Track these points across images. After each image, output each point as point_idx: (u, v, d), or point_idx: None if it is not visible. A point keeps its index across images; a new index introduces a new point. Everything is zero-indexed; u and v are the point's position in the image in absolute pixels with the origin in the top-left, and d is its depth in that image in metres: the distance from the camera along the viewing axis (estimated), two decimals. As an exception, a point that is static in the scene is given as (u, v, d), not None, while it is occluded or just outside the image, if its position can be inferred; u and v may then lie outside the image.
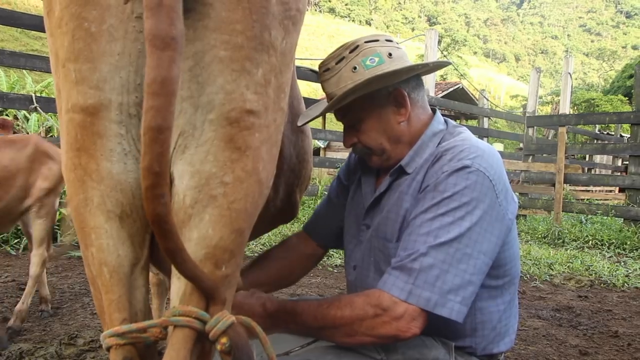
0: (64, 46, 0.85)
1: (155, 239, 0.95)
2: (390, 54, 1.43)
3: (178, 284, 0.90)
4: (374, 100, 1.45)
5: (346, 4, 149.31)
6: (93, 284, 0.94)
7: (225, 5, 0.85)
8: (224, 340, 0.86)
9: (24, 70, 6.14)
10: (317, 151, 16.84)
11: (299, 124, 1.49)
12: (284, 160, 1.36)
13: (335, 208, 1.75)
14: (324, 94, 1.54)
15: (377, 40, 1.45)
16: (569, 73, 10.79)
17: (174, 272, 0.91)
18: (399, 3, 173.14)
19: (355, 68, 1.41)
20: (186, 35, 0.82)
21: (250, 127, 0.89)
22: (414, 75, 1.48)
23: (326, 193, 1.83)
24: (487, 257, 1.30)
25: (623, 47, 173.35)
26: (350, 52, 1.43)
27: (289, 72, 1.01)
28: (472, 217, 1.27)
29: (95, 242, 0.89)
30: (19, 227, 4.77)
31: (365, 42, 1.44)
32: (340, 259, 5.13)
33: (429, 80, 9.02)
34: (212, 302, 0.90)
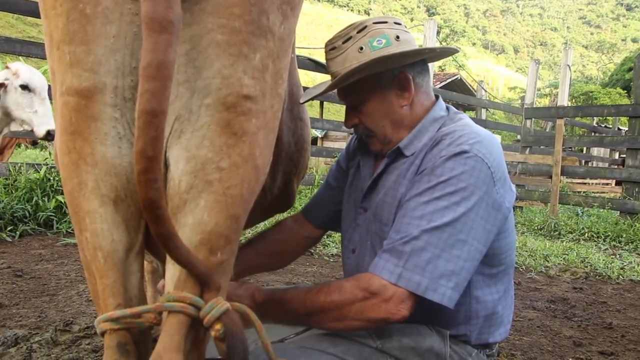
0: (59, 28, 0.84)
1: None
2: (397, 37, 1.42)
3: (172, 270, 0.89)
4: (378, 82, 1.44)
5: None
6: (87, 268, 0.93)
7: None
8: (218, 326, 0.86)
9: (20, 57, 6.09)
10: (314, 141, 16.81)
11: (302, 101, 1.48)
12: (282, 147, 1.35)
13: (334, 192, 1.75)
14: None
15: (385, 22, 1.44)
16: (568, 65, 10.77)
17: (169, 258, 0.90)
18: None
19: (361, 48, 1.40)
20: (183, 19, 0.81)
21: (247, 113, 0.89)
22: (420, 60, 1.47)
23: (324, 180, 1.82)
24: (481, 244, 1.29)
25: (623, 40, 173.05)
26: (358, 32, 1.42)
27: (287, 58, 1.00)
28: (468, 203, 1.26)
29: (90, 226, 0.88)
30: (16, 214, 4.76)
31: (374, 22, 1.43)
32: (336, 248, 5.13)
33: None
34: (206, 288, 0.89)
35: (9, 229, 4.63)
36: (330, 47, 1.46)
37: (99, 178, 0.87)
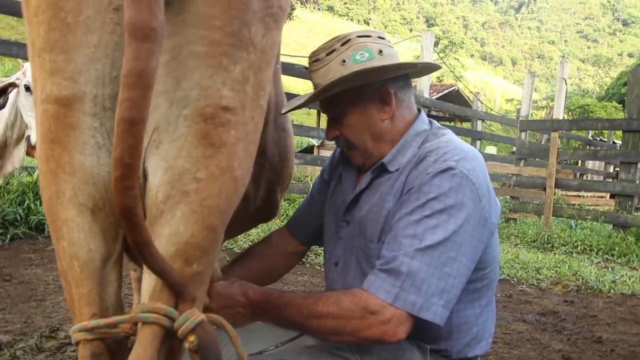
0: (40, 35, 0.84)
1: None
2: (381, 51, 1.42)
3: (149, 280, 0.89)
4: (359, 95, 1.44)
5: (345, 3, 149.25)
6: (64, 277, 0.93)
7: (205, 1, 0.84)
8: (192, 338, 0.85)
9: (18, 59, 6.09)
10: (310, 149, 16.80)
11: (283, 111, 1.48)
12: (265, 159, 1.35)
13: (317, 205, 1.74)
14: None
15: (369, 36, 1.45)
16: (564, 79, 10.84)
17: (145, 267, 0.90)
18: (398, 3, 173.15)
19: (344, 61, 1.40)
20: (164, 30, 0.81)
21: (225, 124, 0.88)
22: (402, 74, 1.48)
23: (309, 192, 1.82)
24: (469, 261, 1.30)
25: (619, 55, 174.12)
26: (341, 45, 1.42)
27: (270, 70, 1.00)
28: (457, 220, 1.27)
29: (67, 235, 0.88)
30: (7, 218, 4.74)
31: (357, 36, 1.44)
32: (328, 257, 5.12)
33: (424, 82, 9.03)
34: (181, 299, 0.89)
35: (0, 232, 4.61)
36: (314, 59, 1.46)
37: (76, 187, 0.87)
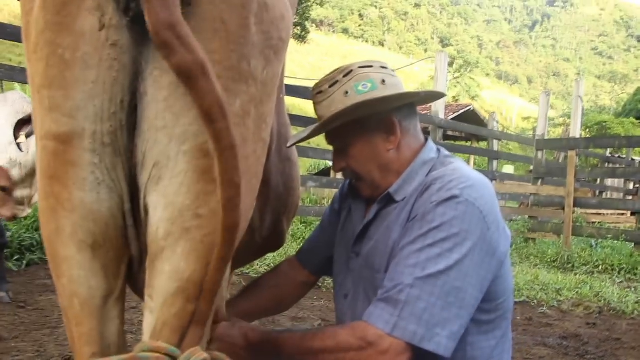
0: (39, 72, 0.84)
1: (131, 268, 0.94)
2: (383, 81, 1.41)
3: (150, 318, 0.87)
4: (363, 126, 1.43)
5: (359, 25, 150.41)
6: (65, 315, 0.92)
7: (202, 35, 0.83)
8: (194, 378, 0.83)
9: (17, 85, 6.13)
10: (327, 171, 16.81)
11: (288, 145, 1.48)
12: (270, 189, 1.34)
13: (328, 235, 1.72)
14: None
15: (371, 67, 1.44)
16: (580, 96, 10.75)
17: (147, 305, 0.89)
18: (412, 24, 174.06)
19: (347, 92, 1.40)
20: (161, 65, 0.81)
21: None
22: (406, 103, 1.46)
23: (320, 223, 1.80)
24: (476, 291, 1.26)
25: (635, 71, 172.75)
26: (344, 77, 1.42)
27: (271, 102, 0.99)
28: (462, 249, 1.24)
29: (67, 272, 0.87)
30: (23, 244, 4.77)
31: (360, 67, 1.43)
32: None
33: (440, 102, 9.00)
34: (185, 337, 0.87)
35: (15, 258, 4.64)
36: (317, 91, 1.46)
37: (76, 224, 0.86)
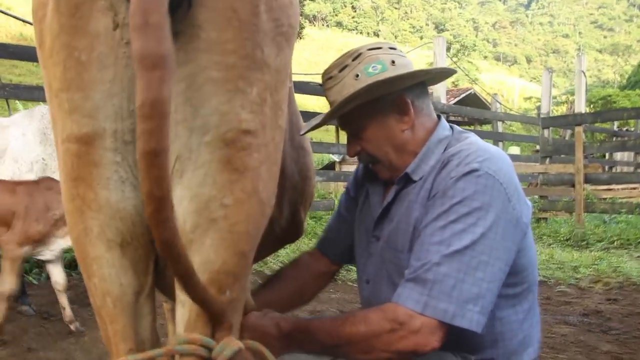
0: (56, 76, 0.85)
1: (159, 265, 0.94)
2: (393, 62, 1.41)
3: (182, 311, 0.88)
4: (376, 108, 1.43)
5: (353, 17, 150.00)
6: (98, 314, 0.93)
7: (215, 26, 0.83)
8: (230, 367, 0.84)
9: (40, 103, 6.22)
10: (332, 165, 16.77)
11: (302, 132, 1.47)
12: (286, 178, 1.34)
13: (346, 222, 1.72)
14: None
15: (380, 48, 1.44)
16: (582, 71, 10.66)
17: (178, 299, 0.89)
18: (406, 12, 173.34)
19: (357, 75, 1.40)
20: (177, 58, 0.81)
21: (247, 148, 0.88)
22: (418, 82, 1.46)
23: (335, 211, 1.80)
24: (503, 263, 1.26)
25: (638, 41, 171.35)
26: (353, 60, 1.42)
27: (285, 89, 1.00)
28: (485, 223, 1.24)
29: (97, 272, 0.88)
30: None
31: (368, 49, 1.43)
32: (360, 272, 5.07)
33: (440, 88, 8.96)
34: (218, 327, 0.88)
35: (34, 271, 4.67)
36: (327, 77, 1.46)
37: (103, 223, 0.87)
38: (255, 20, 0.87)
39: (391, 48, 1.45)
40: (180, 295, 0.89)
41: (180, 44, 0.82)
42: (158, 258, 0.96)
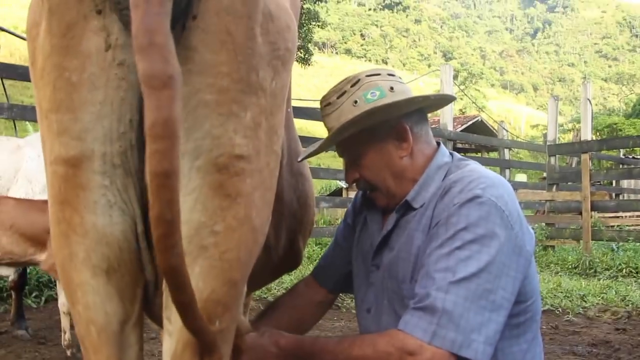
0: (46, 97, 0.83)
1: (146, 293, 0.91)
2: (392, 88, 1.40)
3: (169, 342, 0.85)
4: (374, 135, 1.41)
5: (362, 45, 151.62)
6: (82, 343, 0.90)
7: (209, 48, 0.82)
8: (217, 402, 0.80)
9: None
10: (339, 192, 16.78)
11: (300, 159, 1.46)
12: (284, 205, 1.31)
13: (343, 251, 1.69)
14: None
15: (378, 74, 1.43)
16: (588, 99, 10.69)
17: (166, 329, 0.86)
18: (414, 40, 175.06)
19: (356, 102, 1.38)
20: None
21: (240, 173, 0.85)
22: (416, 109, 1.44)
23: (333, 240, 1.77)
24: (507, 292, 1.23)
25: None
26: (351, 86, 1.41)
27: (281, 113, 0.98)
28: (490, 250, 1.21)
29: (82, 299, 0.85)
30: (41, 280, 4.77)
31: (367, 75, 1.42)
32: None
33: (447, 114, 8.99)
34: (208, 358, 0.84)
35: (34, 294, 4.63)
36: (325, 103, 1.45)
37: (89, 248, 0.84)
38: (250, 44, 0.85)
39: (390, 74, 1.44)
40: (168, 325, 0.86)
41: (173, 66, 0.80)
42: (147, 285, 0.93)
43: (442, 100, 1.55)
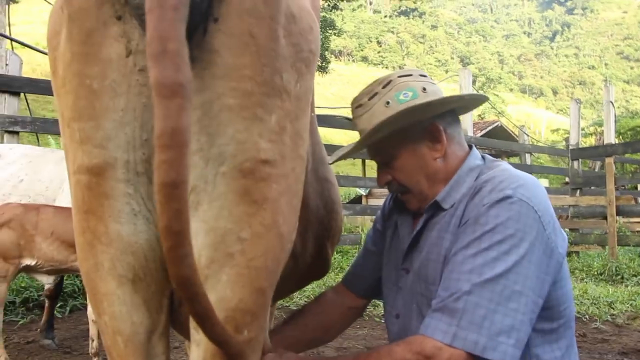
0: (68, 105, 0.82)
1: (172, 302, 0.90)
2: (424, 89, 1.38)
3: (197, 351, 0.83)
4: (407, 136, 1.39)
5: (378, 52, 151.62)
6: (109, 353, 0.89)
7: (232, 51, 0.80)
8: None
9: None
10: (359, 199, 16.71)
11: (331, 161, 1.43)
12: (310, 212, 1.29)
13: (373, 256, 1.66)
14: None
15: (410, 75, 1.41)
16: (611, 102, 10.50)
17: (193, 338, 0.84)
18: (431, 47, 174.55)
19: (388, 103, 1.36)
20: (193, 85, 0.78)
21: (266, 178, 0.84)
22: (449, 110, 1.42)
23: (362, 246, 1.74)
24: (536, 295, 1.19)
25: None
26: (383, 88, 1.39)
27: (306, 117, 0.95)
28: (519, 251, 1.17)
29: (108, 309, 0.84)
30: (65, 290, 4.80)
31: (399, 76, 1.40)
32: (386, 307, 4.95)
33: (467, 120, 8.91)
34: None
35: (59, 305, 4.66)
36: (356, 105, 1.43)
37: (114, 258, 0.83)
38: (273, 46, 0.83)
39: (422, 75, 1.42)
40: (195, 335, 0.84)
41: (195, 71, 0.79)
42: (173, 295, 0.91)
43: (476, 101, 1.52)
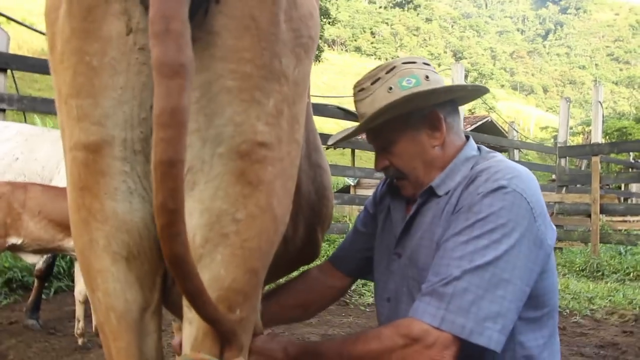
0: (66, 82, 0.82)
1: (166, 281, 0.91)
2: (427, 77, 1.39)
3: (189, 329, 0.84)
4: (408, 122, 1.40)
5: (372, 43, 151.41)
6: (101, 330, 0.89)
7: (233, 33, 0.81)
8: (237, 390, 0.80)
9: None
10: (347, 189, 16.75)
11: (330, 143, 1.44)
12: (302, 197, 1.30)
13: (363, 237, 1.68)
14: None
15: (414, 62, 1.42)
16: (599, 102, 10.59)
17: (186, 316, 0.86)
18: (424, 40, 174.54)
19: (390, 88, 1.37)
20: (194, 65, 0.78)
21: (262, 161, 0.84)
22: (449, 100, 1.43)
23: (352, 227, 1.76)
24: (524, 283, 1.21)
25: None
26: (386, 73, 1.40)
27: (303, 103, 0.96)
28: (510, 240, 1.19)
29: (102, 286, 0.85)
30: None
31: (403, 63, 1.41)
32: (372, 297, 5.00)
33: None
34: (228, 347, 0.84)
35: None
36: (359, 89, 1.44)
37: (109, 235, 0.83)
38: (274, 30, 0.84)
39: (425, 63, 1.44)
40: (188, 313, 0.85)
41: (196, 51, 0.79)
42: (166, 273, 0.92)
43: (477, 92, 1.53)
